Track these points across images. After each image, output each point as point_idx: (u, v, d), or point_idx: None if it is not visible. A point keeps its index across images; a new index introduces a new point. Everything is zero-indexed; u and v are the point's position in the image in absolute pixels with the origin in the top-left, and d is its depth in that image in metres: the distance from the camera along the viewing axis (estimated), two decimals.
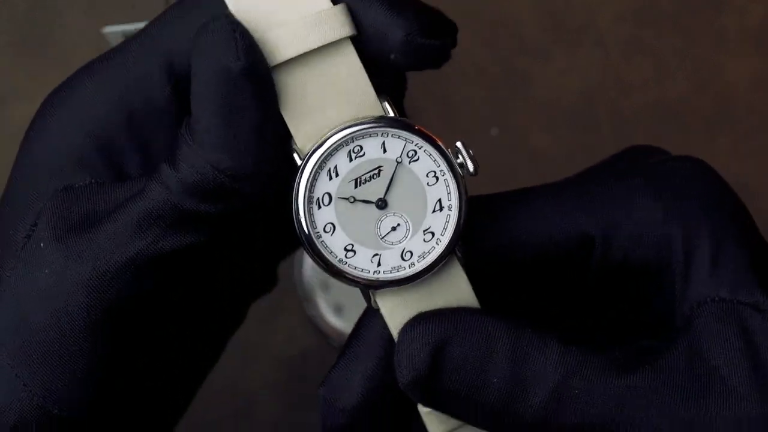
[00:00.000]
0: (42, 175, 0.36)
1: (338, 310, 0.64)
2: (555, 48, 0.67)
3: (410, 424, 0.38)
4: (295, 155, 0.35)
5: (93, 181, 0.35)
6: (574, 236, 0.36)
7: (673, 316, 0.36)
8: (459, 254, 0.35)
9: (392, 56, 0.35)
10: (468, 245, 0.36)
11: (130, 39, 0.36)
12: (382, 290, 0.35)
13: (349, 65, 0.35)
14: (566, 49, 0.67)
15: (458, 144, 0.35)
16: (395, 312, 0.35)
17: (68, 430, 0.36)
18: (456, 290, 0.35)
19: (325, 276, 0.66)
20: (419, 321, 0.34)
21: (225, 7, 0.35)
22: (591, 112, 0.67)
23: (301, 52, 0.34)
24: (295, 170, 0.35)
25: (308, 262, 0.65)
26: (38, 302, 0.35)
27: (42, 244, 0.35)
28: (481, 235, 0.36)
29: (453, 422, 0.36)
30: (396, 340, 0.35)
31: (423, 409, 0.36)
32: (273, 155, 0.34)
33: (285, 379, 0.64)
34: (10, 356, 0.35)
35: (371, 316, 0.36)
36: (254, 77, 0.33)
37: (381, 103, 0.35)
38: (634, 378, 0.34)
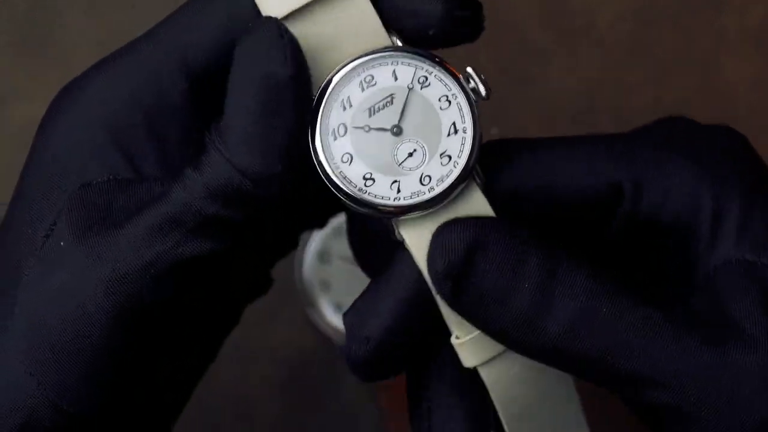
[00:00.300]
0: (58, 172, 0.36)
1: (338, 310, 0.64)
2: (555, 48, 0.67)
3: (435, 359, 0.37)
4: None
5: (111, 177, 0.36)
6: (605, 184, 0.36)
7: (694, 278, 0.36)
8: (478, 180, 0.36)
9: (431, 32, 0.35)
10: (496, 185, 0.36)
11: (144, 34, 0.37)
12: (404, 219, 0.35)
13: (360, 7, 0.35)
14: (566, 49, 0.67)
15: (468, 69, 0.36)
16: (420, 241, 0.35)
17: (79, 428, 0.36)
18: (478, 215, 0.35)
19: (325, 276, 0.66)
20: (457, 222, 0.34)
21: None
22: (591, 112, 0.67)
23: None
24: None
25: (308, 261, 0.65)
26: (56, 301, 0.35)
27: (62, 243, 0.35)
28: (510, 176, 0.36)
29: (486, 353, 0.36)
30: (430, 243, 0.35)
31: (456, 341, 0.36)
32: (302, 162, 0.35)
33: (285, 380, 0.64)
34: (25, 354, 0.35)
35: (400, 250, 0.36)
36: (300, 85, 0.34)
37: (390, 37, 0.36)
38: (659, 315, 0.34)
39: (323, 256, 0.65)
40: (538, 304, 0.34)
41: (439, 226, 0.35)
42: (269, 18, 0.34)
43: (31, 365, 0.35)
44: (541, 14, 0.67)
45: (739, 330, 0.34)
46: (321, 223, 0.44)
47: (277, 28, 0.34)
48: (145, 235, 0.34)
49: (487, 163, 0.36)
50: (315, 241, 0.65)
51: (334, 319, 0.64)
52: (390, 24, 0.36)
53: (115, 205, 0.35)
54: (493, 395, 0.37)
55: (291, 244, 0.44)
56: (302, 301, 0.64)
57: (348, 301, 0.65)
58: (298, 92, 0.34)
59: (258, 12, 0.35)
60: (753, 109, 0.66)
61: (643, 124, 0.40)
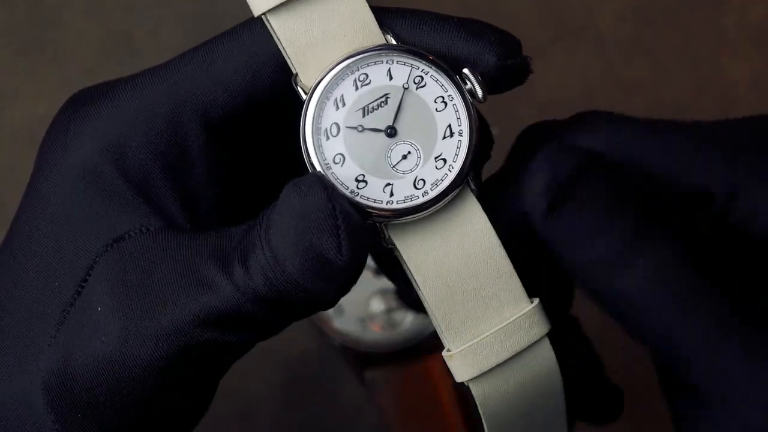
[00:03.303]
0: (83, 221, 0.35)
1: (338, 310, 0.64)
2: (555, 48, 0.67)
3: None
4: (300, 90, 0.34)
5: (142, 228, 0.35)
6: (698, 185, 0.36)
7: None
8: (473, 186, 0.35)
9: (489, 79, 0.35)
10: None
11: (159, 77, 0.36)
12: (396, 225, 0.34)
13: (351, 1, 0.34)
14: (566, 49, 0.67)
15: (465, 70, 0.35)
16: (412, 248, 0.34)
17: None
18: (472, 223, 0.35)
19: None
20: (570, 148, 0.34)
21: (262, 43, 0.35)
22: None
23: None
24: (300, 104, 0.34)
25: None
26: (91, 371, 0.34)
27: (99, 309, 0.34)
28: (604, 144, 0.36)
29: (478, 367, 0.35)
30: None
31: (447, 354, 0.35)
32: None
33: (285, 380, 0.64)
34: (58, 421, 0.35)
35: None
36: (353, 271, 0.33)
37: (384, 36, 0.35)
38: (727, 309, 0.34)
39: None
40: (621, 256, 0.33)
41: (550, 146, 0.34)
42: (318, 179, 0.33)
43: (59, 421, 0.35)
44: (541, 14, 0.67)
45: None
46: None
47: (328, 202, 0.32)
48: (191, 321, 0.34)
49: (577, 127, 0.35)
50: None
51: (335, 319, 0.64)
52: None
53: (152, 266, 0.35)
54: (482, 411, 0.36)
55: None
56: None
57: (348, 302, 0.65)
58: (350, 277, 0.33)
59: (280, 69, 0.35)
60: (753, 109, 0.66)
61: (742, 117, 0.39)
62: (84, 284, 0.35)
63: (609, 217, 0.34)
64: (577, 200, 0.34)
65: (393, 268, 0.37)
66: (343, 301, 0.64)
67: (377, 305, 0.60)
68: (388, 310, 0.59)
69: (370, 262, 0.48)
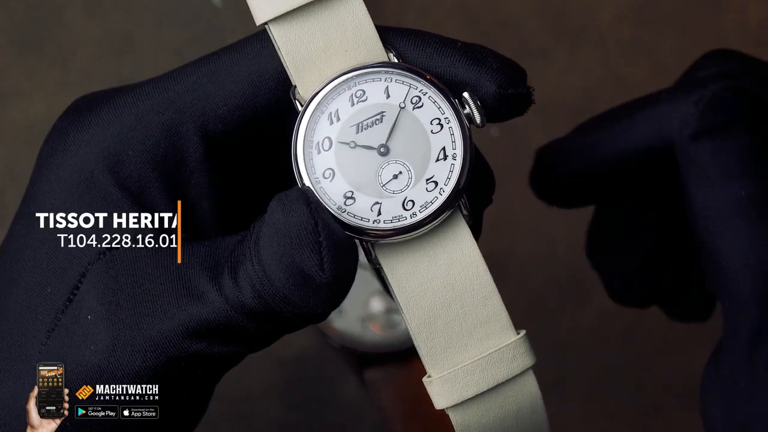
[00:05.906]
0: (77, 228, 0.35)
1: (338, 309, 0.64)
2: (555, 48, 0.67)
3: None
4: (297, 102, 0.34)
5: (136, 234, 0.35)
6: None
7: None
8: (465, 212, 0.34)
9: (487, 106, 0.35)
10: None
11: (159, 87, 0.36)
12: (382, 244, 0.34)
13: (356, 16, 0.34)
14: (566, 49, 0.67)
15: (465, 94, 0.34)
16: (397, 269, 0.34)
17: None
18: (461, 248, 0.34)
19: None
20: None
21: (267, 61, 0.35)
22: (591, 112, 0.67)
23: (307, 1, 0.34)
24: (296, 116, 0.34)
25: None
26: (80, 380, 0.35)
27: (90, 317, 0.34)
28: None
29: (457, 395, 0.35)
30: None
31: (427, 379, 0.35)
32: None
33: (285, 380, 0.64)
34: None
35: None
36: (337, 287, 0.33)
37: (387, 53, 0.34)
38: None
39: None
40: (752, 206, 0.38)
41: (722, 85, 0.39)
42: (302, 194, 0.33)
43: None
44: (541, 14, 0.67)
45: None
46: None
47: (311, 218, 0.32)
48: (180, 332, 0.34)
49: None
50: None
51: (334, 319, 0.64)
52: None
53: (144, 276, 0.35)
54: None
55: None
56: None
57: (348, 301, 0.65)
58: (335, 292, 0.33)
59: (281, 84, 0.35)
60: None
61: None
62: (76, 291, 0.35)
63: (753, 168, 0.37)
64: (732, 137, 0.37)
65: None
66: (344, 301, 0.64)
67: (377, 305, 0.60)
68: (388, 311, 0.59)
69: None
